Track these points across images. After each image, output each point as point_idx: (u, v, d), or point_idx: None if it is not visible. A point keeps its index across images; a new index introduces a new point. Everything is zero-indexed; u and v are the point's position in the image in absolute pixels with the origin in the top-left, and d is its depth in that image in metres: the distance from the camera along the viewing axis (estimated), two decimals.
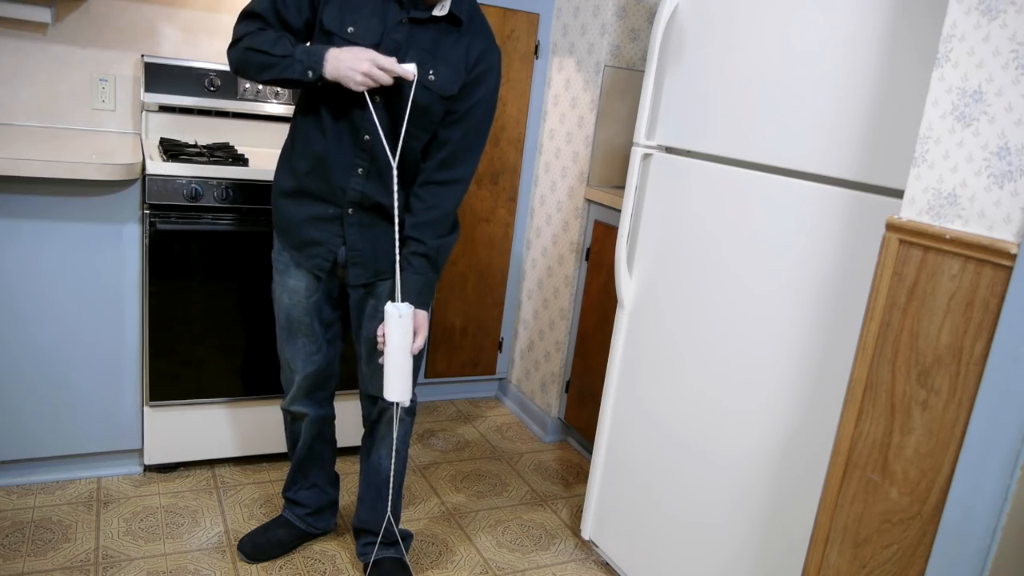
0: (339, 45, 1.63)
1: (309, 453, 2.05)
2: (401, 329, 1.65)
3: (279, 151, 1.88)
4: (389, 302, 1.67)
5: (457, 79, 1.69)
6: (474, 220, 3.04)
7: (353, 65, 1.57)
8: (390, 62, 1.57)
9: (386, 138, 1.66)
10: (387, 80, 1.59)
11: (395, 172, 1.67)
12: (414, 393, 1.97)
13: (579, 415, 2.85)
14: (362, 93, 1.62)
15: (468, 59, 1.70)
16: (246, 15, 1.68)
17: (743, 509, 1.73)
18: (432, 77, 1.67)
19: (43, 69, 2.44)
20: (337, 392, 2.07)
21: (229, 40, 1.71)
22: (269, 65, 1.63)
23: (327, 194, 1.75)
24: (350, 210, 1.75)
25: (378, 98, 1.66)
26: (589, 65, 2.75)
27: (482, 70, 1.71)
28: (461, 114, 1.72)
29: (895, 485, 1.27)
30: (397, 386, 1.69)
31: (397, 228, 1.69)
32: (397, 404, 1.78)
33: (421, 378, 2.97)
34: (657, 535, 1.97)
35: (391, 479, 1.92)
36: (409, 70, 1.60)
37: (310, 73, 1.60)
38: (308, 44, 1.68)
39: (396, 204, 1.69)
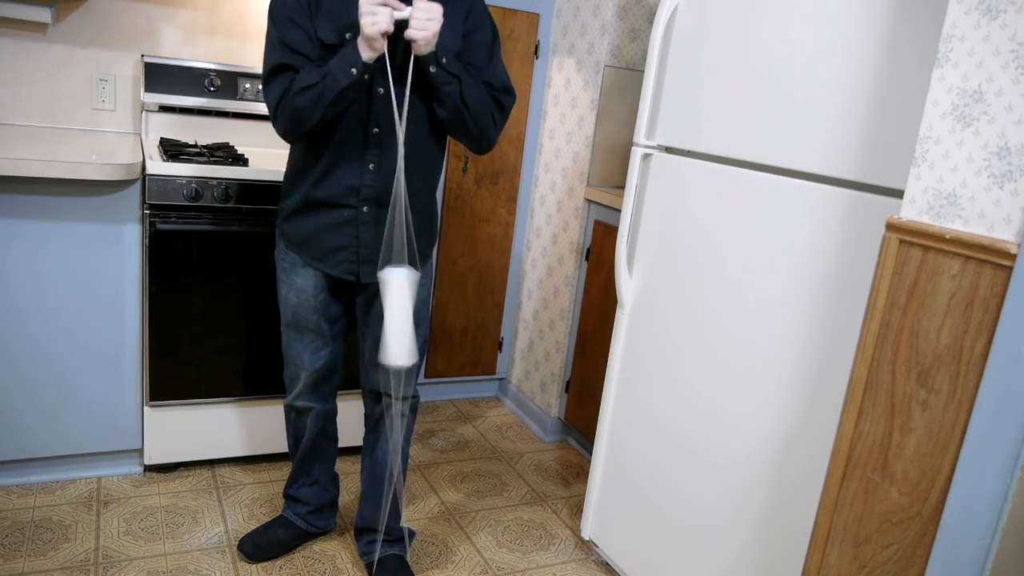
0: None
1: (312, 448, 2.05)
2: (400, 294, 1.65)
3: (279, 151, 1.87)
4: (385, 268, 1.64)
5: (456, 36, 1.74)
6: (474, 220, 3.04)
7: (363, 33, 1.57)
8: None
9: (397, 114, 1.66)
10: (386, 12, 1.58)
11: (401, 142, 1.64)
12: (416, 390, 1.97)
13: (579, 415, 2.85)
14: (370, 80, 1.64)
15: (459, 14, 1.75)
16: (269, 75, 1.70)
17: (743, 509, 1.73)
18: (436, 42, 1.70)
19: (43, 69, 2.44)
20: (338, 392, 2.07)
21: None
22: (316, 96, 1.62)
23: (340, 198, 1.75)
24: (365, 208, 1.76)
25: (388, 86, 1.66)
26: (589, 65, 2.75)
27: (474, 17, 1.78)
28: (479, 63, 1.78)
29: (895, 485, 1.27)
30: (398, 349, 1.68)
31: (404, 195, 1.65)
32: (399, 401, 1.76)
33: (421, 378, 2.97)
34: (657, 535, 1.97)
35: (397, 476, 1.92)
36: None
37: (354, 71, 1.60)
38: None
39: (402, 178, 1.65)
